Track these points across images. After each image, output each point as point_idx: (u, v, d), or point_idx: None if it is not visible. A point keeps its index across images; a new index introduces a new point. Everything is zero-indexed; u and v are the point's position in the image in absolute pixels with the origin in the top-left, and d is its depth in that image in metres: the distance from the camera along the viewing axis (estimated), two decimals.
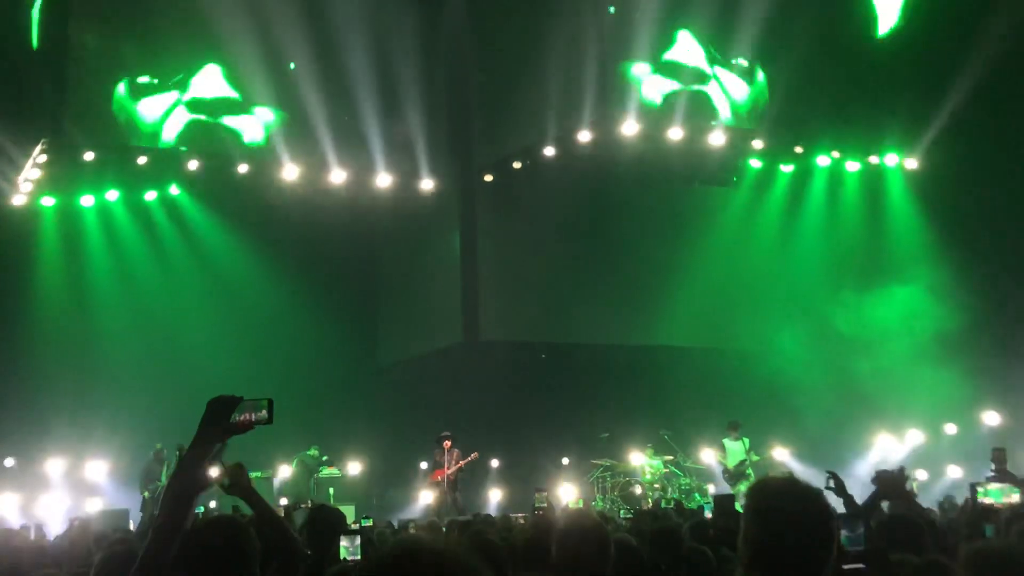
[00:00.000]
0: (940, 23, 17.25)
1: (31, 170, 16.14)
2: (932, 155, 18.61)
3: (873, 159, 19.24)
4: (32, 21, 16.06)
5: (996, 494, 5.15)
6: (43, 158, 15.81)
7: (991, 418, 15.71)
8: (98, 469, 15.88)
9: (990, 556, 2.15)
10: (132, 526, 12.12)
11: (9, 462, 15.49)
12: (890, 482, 4.51)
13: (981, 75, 16.55)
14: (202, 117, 16.91)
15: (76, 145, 15.82)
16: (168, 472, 14.71)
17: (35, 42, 15.98)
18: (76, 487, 15.58)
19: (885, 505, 4.86)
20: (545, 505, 8.20)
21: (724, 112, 18.27)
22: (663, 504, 10.43)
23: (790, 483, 2.49)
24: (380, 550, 1.71)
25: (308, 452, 16.15)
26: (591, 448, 17.19)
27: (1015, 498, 5.06)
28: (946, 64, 16.99)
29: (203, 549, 2.75)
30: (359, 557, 3.75)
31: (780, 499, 2.41)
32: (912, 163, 19.11)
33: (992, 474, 11.09)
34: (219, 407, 2.83)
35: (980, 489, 5.27)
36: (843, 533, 2.93)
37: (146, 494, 14.68)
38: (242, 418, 2.79)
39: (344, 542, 3.81)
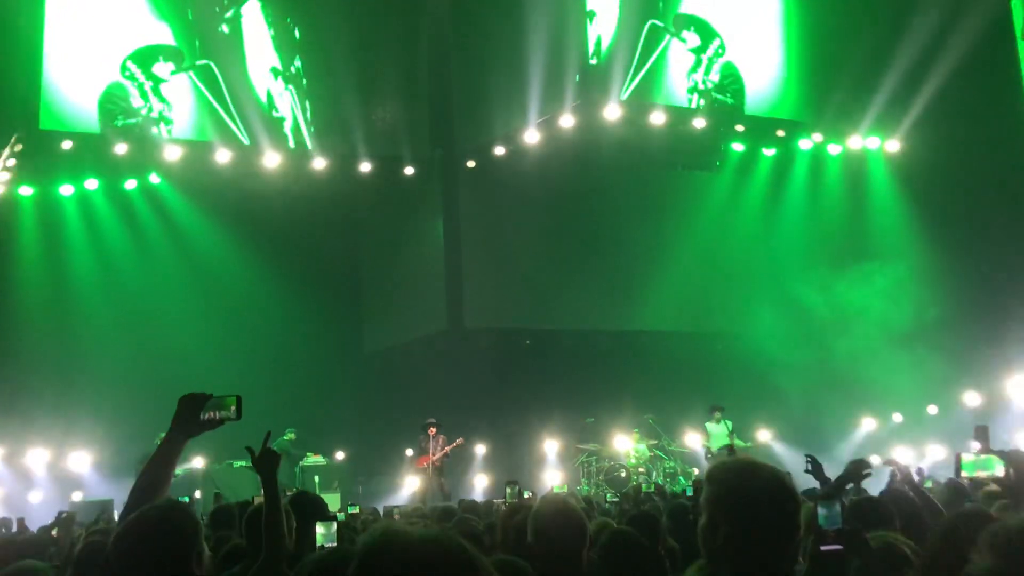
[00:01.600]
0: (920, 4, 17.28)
1: (8, 159, 15.96)
2: (913, 138, 18.68)
3: (855, 142, 19.30)
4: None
5: (987, 464, 5.13)
6: (20, 147, 15.64)
7: (972, 399, 15.84)
8: (81, 460, 15.81)
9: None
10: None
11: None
12: (855, 468, 4.52)
13: (962, 55, 16.61)
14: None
15: (53, 133, 15.64)
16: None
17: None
18: (59, 479, 15.51)
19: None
20: (515, 500, 7.96)
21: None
22: (644, 488, 10.44)
23: (751, 466, 2.39)
24: (359, 540, 1.67)
25: (284, 437, 16.01)
26: (576, 433, 17.25)
27: (999, 470, 5.07)
28: (928, 45, 17.03)
29: (136, 533, 2.72)
30: (334, 543, 3.76)
31: (741, 483, 2.32)
32: (894, 145, 19.18)
33: (973, 454, 11.17)
34: (189, 404, 2.90)
35: (966, 459, 5.24)
36: (820, 512, 2.94)
37: None
38: (209, 415, 2.84)
39: (320, 529, 3.82)
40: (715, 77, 18.15)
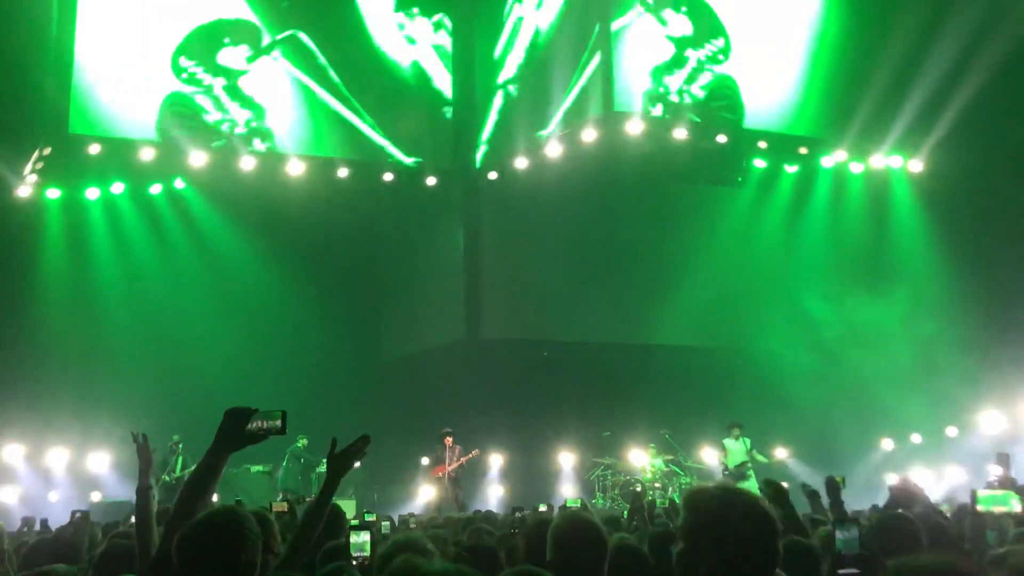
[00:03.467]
0: (946, 24, 17.21)
1: (36, 162, 16.16)
2: (937, 157, 18.58)
3: (878, 161, 19.22)
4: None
5: (1003, 500, 5.09)
6: (48, 150, 15.82)
7: (992, 421, 15.70)
8: (100, 461, 15.94)
9: None
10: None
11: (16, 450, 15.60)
12: (902, 493, 4.49)
13: (987, 76, 16.53)
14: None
15: (81, 137, 15.82)
16: (181, 463, 14.87)
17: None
18: (78, 479, 15.64)
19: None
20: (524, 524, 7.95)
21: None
22: (659, 504, 10.40)
23: (730, 493, 2.39)
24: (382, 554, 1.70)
25: (296, 444, 16.13)
26: (592, 446, 17.22)
27: (1016, 505, 5.03)
28: (953, 64, 16.95)
29: (202, 537, 2.85)
30: (366, 553, 3.81)
31: (721, 511, 2.32)
32: (917, 165, 19.10)
33: (994, 480, 11.09)
34: (235, 417, 3.05)
35: (982, 495, 5.20)
36: (837, 536, 2.95)
37: (165, 478, 14.80)
38: (256, 427, 2.95)
39: (354, 537, 3.88)
40: (698, 91, 17.25)
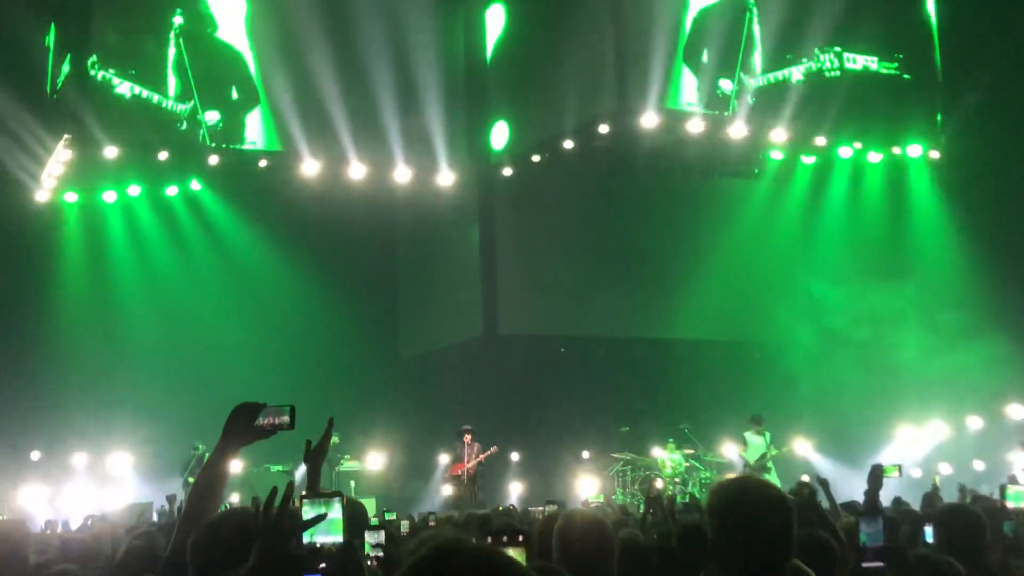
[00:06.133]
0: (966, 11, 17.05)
1: (54, 166, 16.28)
2: (956, 146, 18.40)
3: (896, 150, 19.04)
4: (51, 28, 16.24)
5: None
6: (66, 154, 15.94)
7: (1016, 411, 15.55)
8: (121, 462, 16.04)
9: None
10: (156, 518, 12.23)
11: (35, 455, 15.68)
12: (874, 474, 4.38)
13: (1006, 64, 16.35)
14: None
15: (98, 140, 15.91)
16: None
17: (51, 39, 16.16)
18: (99, 481, 15.74)
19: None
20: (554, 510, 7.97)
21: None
22: (678, 499, 10.34)
23: (742, 481, 2.64)
24: (415, 549, 1.72)
25: (309, 440, 16.10)
26: (611, 441, 17.17)
27: None
28: (973, 51, 16.79)
29: (217, 536, 2.83)
30: (382, 553, 3.77)
31: (736, 497, 2.54)
32: (935, 154, 18.91)
33: (1016, 472, 10.98)
34: (243, 413, 2.97)
35: (1011, 491, 5.10)
36: (862, 528, 2.91)
37: (190, 479, 14.87)
38: (264, 422, 2.89)
39: (368, 538, 3.83)
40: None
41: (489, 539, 3.05)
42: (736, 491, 2.56)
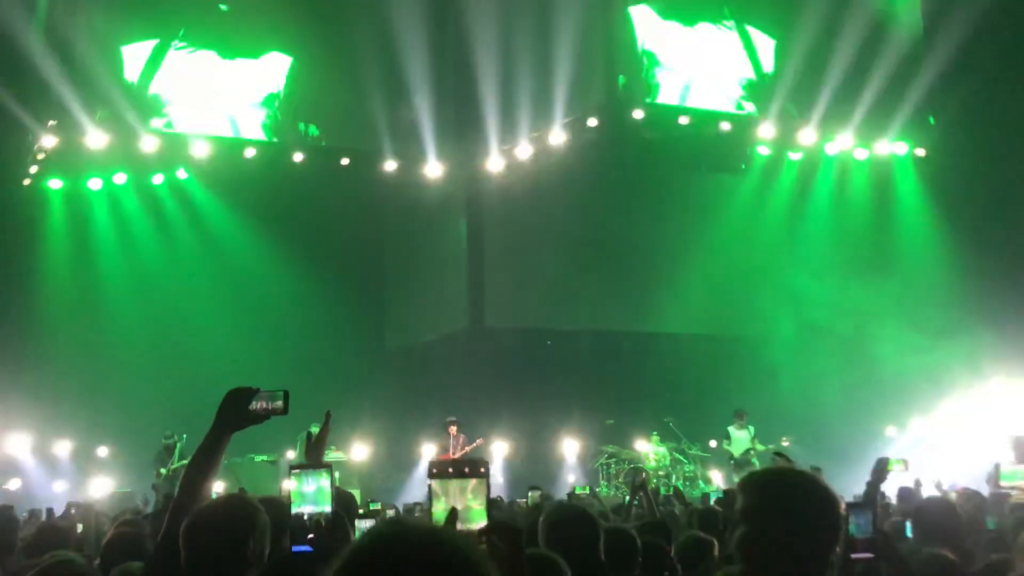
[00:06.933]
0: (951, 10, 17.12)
1: (38, 152, 16.14)
2: (942, 143, 18.51)
3: (882, 147, 19.14)
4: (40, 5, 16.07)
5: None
6: (50, 140, 15.80)
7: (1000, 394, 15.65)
8: (105, 452, 15.95)
9: None
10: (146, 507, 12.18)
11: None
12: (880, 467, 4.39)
13: (992, 62, 16.45)
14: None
15: (83, 127, 15.79)
16: (179, 457, 14.82)
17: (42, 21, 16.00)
18: (82, 470, 15.65)
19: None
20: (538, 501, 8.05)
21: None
22: (663, 491, 10.39)
23: (783, 473, 2.45)
24: (363, 535, 1.60)
25: (310, 430, 16.11)
26: (596, 434, 17.22)
27: None
28: (958, 49, 16.86)
29: (210, 524, 2.83)
30: None
31: (779, 490, 2.38)
32: (921, 152, 19.02)
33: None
34: (236, 397, 2.97)
35: (1006, 470, 5.19)
36: (851, 520, 2.93)
37: (163, 471, 14.81)
38: (258, 407, 2.89)
39: (360, 524, 3.84)
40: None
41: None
42: (779, 485, 2.38)
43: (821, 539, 2.33)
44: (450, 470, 2.15)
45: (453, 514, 2.09)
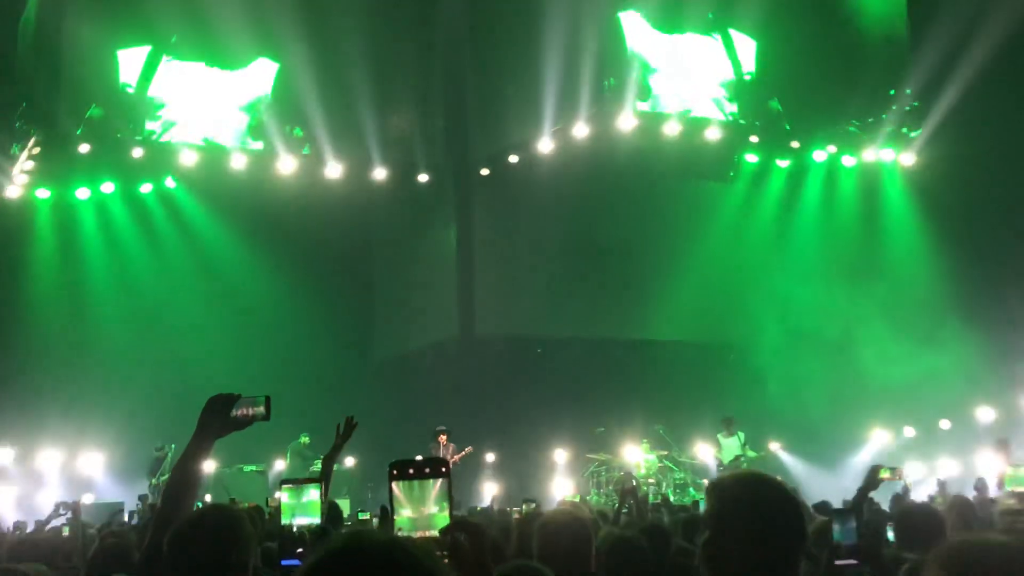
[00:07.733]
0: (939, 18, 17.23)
1: (26, 162, 16.08)
2: (928, 151, 18.61)
3: (869, 155, 19.24)
4: (28, 10, 16.02)
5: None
6: (37, 150, 15.74)
7: (985, 414, 15.73)
8: (93, 462, 15.86)
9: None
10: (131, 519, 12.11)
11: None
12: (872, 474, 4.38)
13: (978, 70, 16.54)
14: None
15: (71, 136, 15.74)
16: (169, 468, 14.75)
17: (30, 29, 15.96)
18: (70, 480, 15.56)
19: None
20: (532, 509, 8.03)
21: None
22: (651, 499, 10.38)
23: (756, 478, 2.41)
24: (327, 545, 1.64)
25: (299, 440, 16.15)
26: (586, 442, 17.20)
27: None
28: (945, 56, 16.97)
29: (195, 534, 2.82)
30: None
31: (749, 496, 2.34)
32: (908, 159, 19.12)
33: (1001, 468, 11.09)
34: (217, 404, 2.96)
35: (1010, 474, 5.19)
36: (835, 527, 2.93)
37: (153, 481, 14.76)
38: (239, 413, 2.87)
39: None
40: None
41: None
42: (743, 490, 2.34)
43: (783, 544, 2.28)
44: (411, 471, 2.15)
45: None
